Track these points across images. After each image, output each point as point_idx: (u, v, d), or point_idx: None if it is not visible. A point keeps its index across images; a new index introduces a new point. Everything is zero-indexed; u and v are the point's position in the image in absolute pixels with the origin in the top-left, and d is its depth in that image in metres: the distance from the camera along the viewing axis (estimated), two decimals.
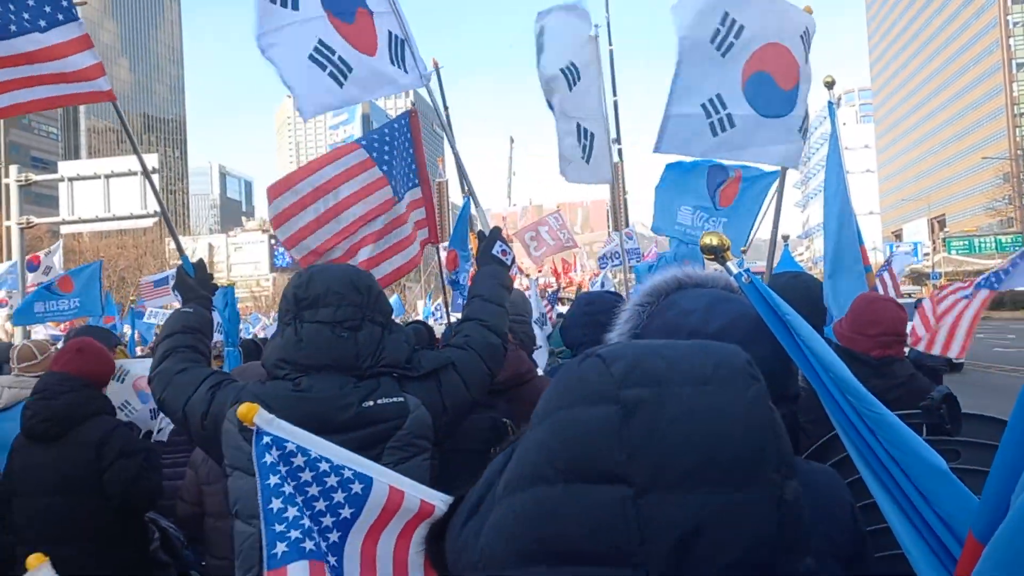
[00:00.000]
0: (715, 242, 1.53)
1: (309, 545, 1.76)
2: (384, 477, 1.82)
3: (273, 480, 1.82)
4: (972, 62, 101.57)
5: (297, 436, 1.84)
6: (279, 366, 2.41)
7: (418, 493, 1.80)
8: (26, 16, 3.38)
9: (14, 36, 3.36)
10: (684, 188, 7.66)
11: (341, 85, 3.86)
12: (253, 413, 1.85)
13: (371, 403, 2.31)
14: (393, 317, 2.64)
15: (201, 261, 3.33)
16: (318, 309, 2.40)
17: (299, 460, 1.82)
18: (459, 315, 3.39)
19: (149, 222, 20.49)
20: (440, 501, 1.78)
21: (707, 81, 3.89)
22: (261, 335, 17.80)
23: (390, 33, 4.01)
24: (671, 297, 1.49)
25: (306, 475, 1.81)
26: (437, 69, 5.18)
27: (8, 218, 19.83)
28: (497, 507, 0.88)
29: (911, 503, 1.27)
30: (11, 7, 3.35)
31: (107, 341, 5.80)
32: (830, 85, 4.28)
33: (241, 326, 16.85)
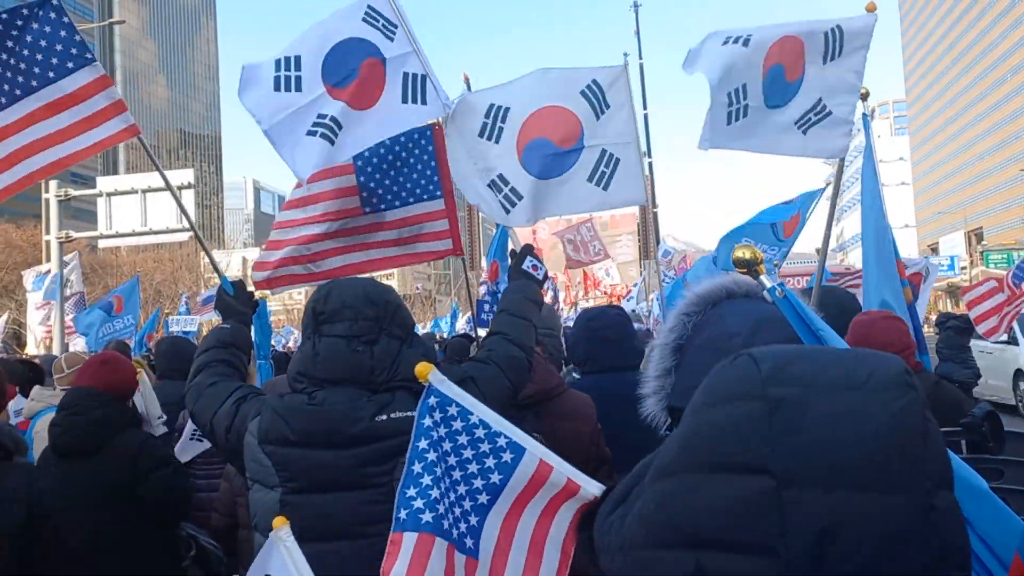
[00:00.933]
0: (747, 255, 1.50)
1: (427, 517, 1.84)
2: (537, 450, 1.92)
3: (423, 444, 1.92)
4: (1010, 72, 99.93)
5: (462, 398, 1.96)
6: (298, 380, 2.44)
7: (566, 471, 1.90)
8: (40, 69, 3.46)
9: (36, 90, 3.45)
10: (741, 237, 8.09)
11: (332, 142, 4.06)
12: (428, 371, 1.98)
13: (384, 417, 2.32)
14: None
15: (241, 281, 3.39)
16: (335, 323, 2.43)
17: (458, 424, 1.93)
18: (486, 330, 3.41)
19: (185, 236, 20.79)
20: (588, 484, 1.88)
21: (736, 73, 3.97)
22: (293, 348, 17.95)
23: (405, 74, 4.17)
24: (718, 308, 1.46)
25: (463, 438, 1.93)
26: (468, 83, 5.20)
27: (48, 232, 20.24)
28: (643, 495, 0.91)
29: None
30: (24, 64, 3.43)
31: (124, 354, 5.91)
32: (864, 97, 4.22)
33: (273, 339, 17.03)
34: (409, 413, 2.29)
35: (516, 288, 3.13)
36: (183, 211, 4.53)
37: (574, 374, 6.04)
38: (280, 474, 2.32)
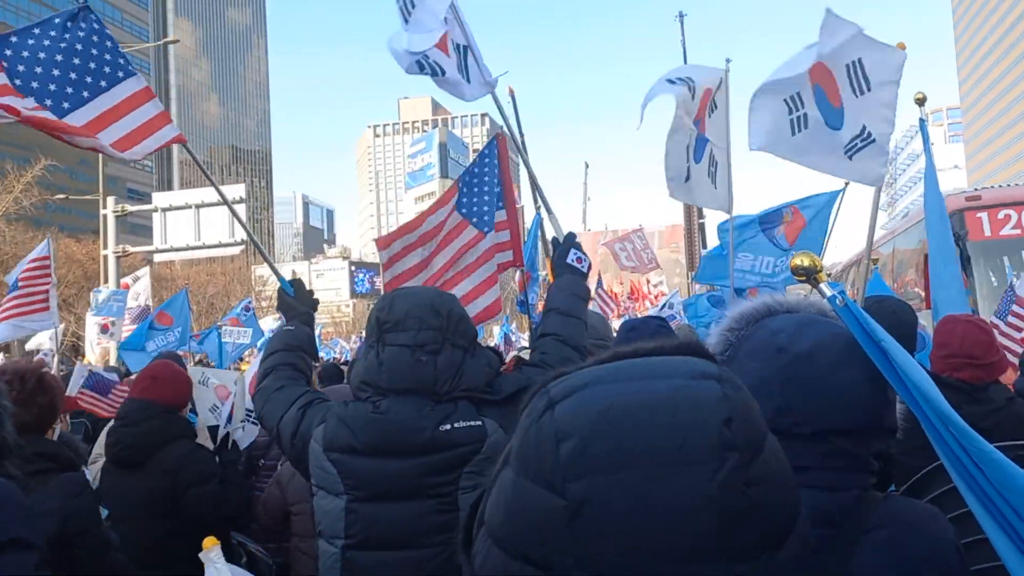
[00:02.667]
0: (807, 263, 1.46)
1: None
2: None
3: None
4: None
5: None
6: (362, 388, 2.44)
7: None
8: (90, 80, 3.53)
9: (87, 102, 3.51)
10: (737, 242, 7.75)
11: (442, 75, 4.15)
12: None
13: (448, 427, 2.31)
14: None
15: (299, 280, 3.39)
16: (399, 333, 2.41)
17: None
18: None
19: (237, 250, 21.21)
20: None
21: (793, 80, 3.93)
22: (341, 359, 18.11)
23: (454, 43, 4.16)
24: (760, 323, 1.45)
25: None
26: (513, 96, 5.21)
27: (105, 247, 20.81)
28: (482, 540, 0.83)
29: None
30: (74, 76, 3.49)
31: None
32: (921, 102, 4.12)
33: (322, 352, 17.14)
34: (472, 423, 2.33)
35: (563, 285, 3.03)
36: (241, 223, 4.61)
37: None
38: (345, 482, 2.33)
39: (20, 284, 8.22)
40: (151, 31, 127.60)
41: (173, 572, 3.52)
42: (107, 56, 3.59)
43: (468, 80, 4.16)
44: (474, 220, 4.40)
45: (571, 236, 3.23)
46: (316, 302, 3.35)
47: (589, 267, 3.15)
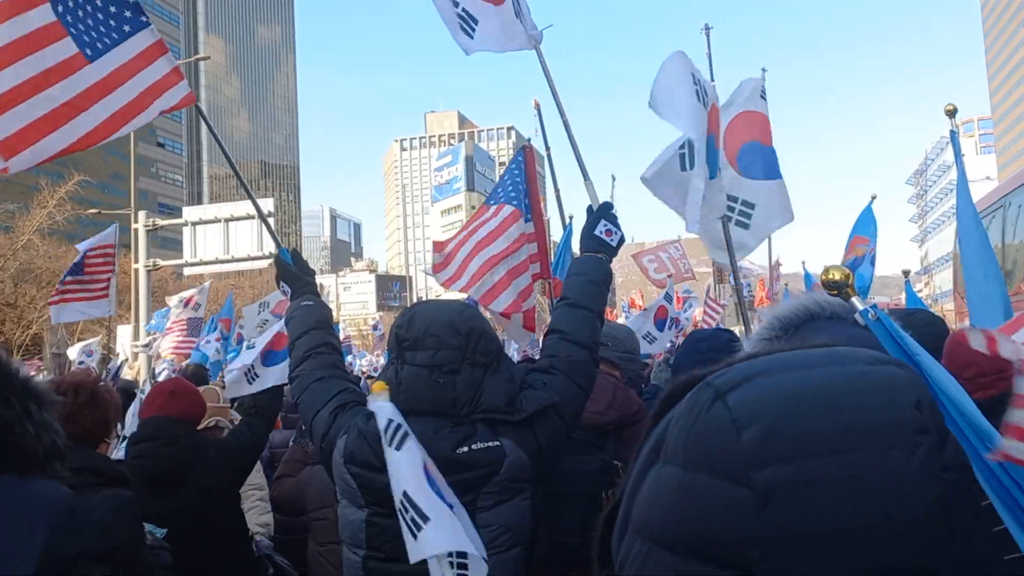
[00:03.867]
0: (837, 277, 1.44)
1: None
2: None
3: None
4: None
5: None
6: None
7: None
8: (105, 30, 3.40)
9: (104, 52, 3.37)
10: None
11: (471, 36, 3.88)
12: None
13: (465, 449, 2.27)
14: None
15: (295, 249, 3.28)
16: (417, 352, 2.36)
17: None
18: None
19: (265, 263, 21.40)
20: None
21: (690, 123, 3.80)
22: (368, 371, 18.17)
23: None
24: (801, 331, 1.41)
25: None
26: (538, 109, 5.22)
27: (137, 261, 21.11)
28: (632, 546, 0.79)
29: None
30: (90, 23, 3.36)
31: (201, 378, 6.00)
32: (952, 113, 4.07)
33: (349, 362, 17.18)
34: (491, 444, 2.28)
35: (581, 268, 2.74)
36: (270, 230, 4.53)
37: None
38: (366, 497, 2.33)
39: (85, 270, 8.26)
40: (182, 48, 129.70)
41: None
42: (113, 8, 3.42)
43: (524, 26, 3.88)
44: (515, 203, 4.46)
45: (607, 205, 2.87)
46: (314, 272, 3.25)
47: (621, 241, 2.79)
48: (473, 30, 3.85)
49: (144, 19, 3.51)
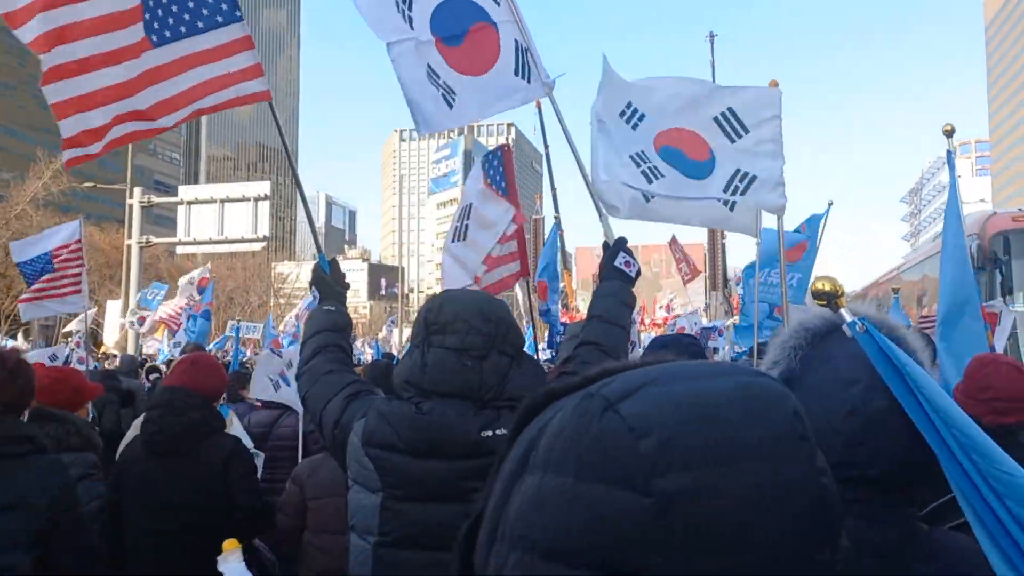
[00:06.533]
0: (828, 287, 1.48)
1: None
2: None
3: None
4: None
5: None
6: (404, 388, 2.41)
7: None
8: (188, 17, 3.47)
9: (183, 37, 3.45)
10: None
11: (451, 107, 3.94)
12: None
13: (490, 432, 2.29)
14: None
15: (335, 260, 3.33)
16: (446, 335, 2.38)
17: None
18: (549, 351, 3.34)
19: (258, 246, 21.38)
20: None
21: (626, 143, 3.90)
22: (359, 360, 18.19)
23: (516, 42, 3.92)
24: (827, 344, 1.41)
25: None
26: (540, 109, 5.24)
27: (130, 236, 21.04)
28: (507, 558, 0.78)
29: None
30: (175, 8, 3.44)
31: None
32: (949, 134, 4.11)
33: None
34: None
35: (608, 291, 2.97)
36: (317, 243, 4.41)
37: None
38: (383, 479, 2.32)
39: (56, 267, 8.30)
40: None
41: (209, 562, 3.53)
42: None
43: (528, 80, 3.93)
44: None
45: (622, 240, 3.17)
46: (348, 285, 3.29)
47: (638, 273, 3.10)
48: (452, 102, 3.96)
49: (238, 14, 3.59)
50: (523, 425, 0.87)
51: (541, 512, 0.75)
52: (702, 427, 0.73)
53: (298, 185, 4.46)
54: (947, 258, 4.07)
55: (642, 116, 3.95)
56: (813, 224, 8.38)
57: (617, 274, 3.03)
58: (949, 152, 4.26)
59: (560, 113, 4.00)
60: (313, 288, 3.25)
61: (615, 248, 3.11)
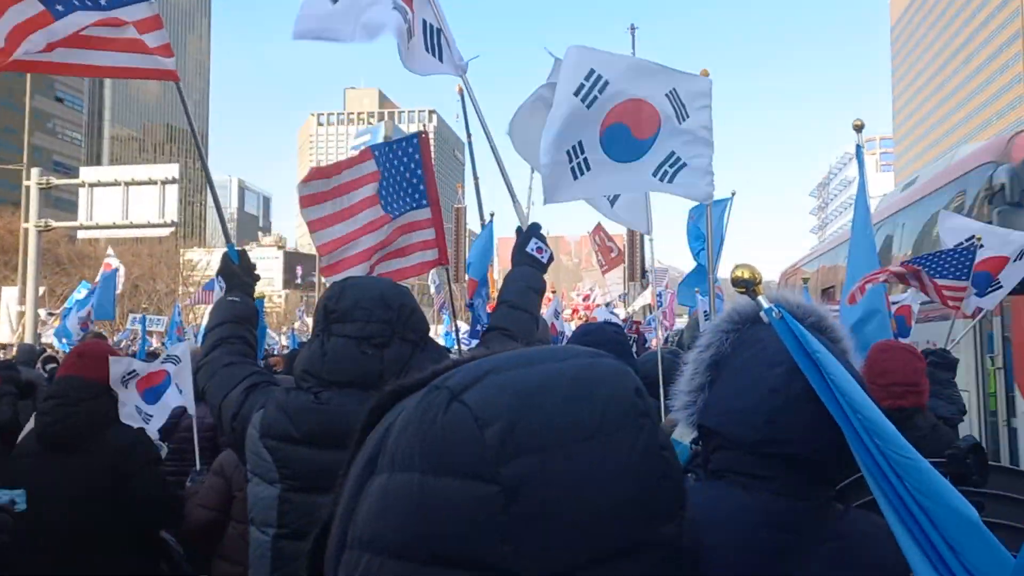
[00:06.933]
0: (746, 275, 1.48)
1: None
2: None
3: None
4: (995, 116, 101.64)
5: None
6: (304, 378, 2.38)
7: None
8: None
9: (78, 10, 3.27)
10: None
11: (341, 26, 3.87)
12: None
13: None
14: None
15: (244, 250, 3.28)
16: (346, 323, 2.36)
17: None
18: (468, 341, 3.32)
19: (165, 231, 20.65)
20: None
21: (571, 130, 3.99)
22: (270, 352, 17.80)
23: (424, 22, 3.99)
24: (757, 328, 1.45)
25: None
26: (462, 95, 5.19)
27: (27, 220, 20.03)
28: (358, 563, 0.75)
29: (938, 554, 1.22)
30: None
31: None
32: (859, 128, 4.25)
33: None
34: None
35: (517, 277, 2.98)
36: (217, 205, 4.23)
37: None
38: (280, 471, 2.29)
39: None
40: None
41: (113, 556, 3.40)
42: None
43: (440, 59, 4.01)
44: (382, 202, 4.41)
45: (535, 226, 3.18)
46: (257, 277, 3.25)
47: (550, 259, 3.10)
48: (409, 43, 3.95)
49: None
50: (370, 426, 0.85)
51: (389, 511, 0.74)
52: (543, 410, 0.73)
53: (205, 169, 4.32)
54: (855, 245, 4.23)
55: (605, 84, 3.97)
56: (717, 209, 8.57)
57: (528, 260, 3.04)
58: (859, 146, 4.40)
59: (474, 97, 4.04)
60: (219, 277, 3.19)
61: (527, 234, 3.11)
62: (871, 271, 4.11)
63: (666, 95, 4.09)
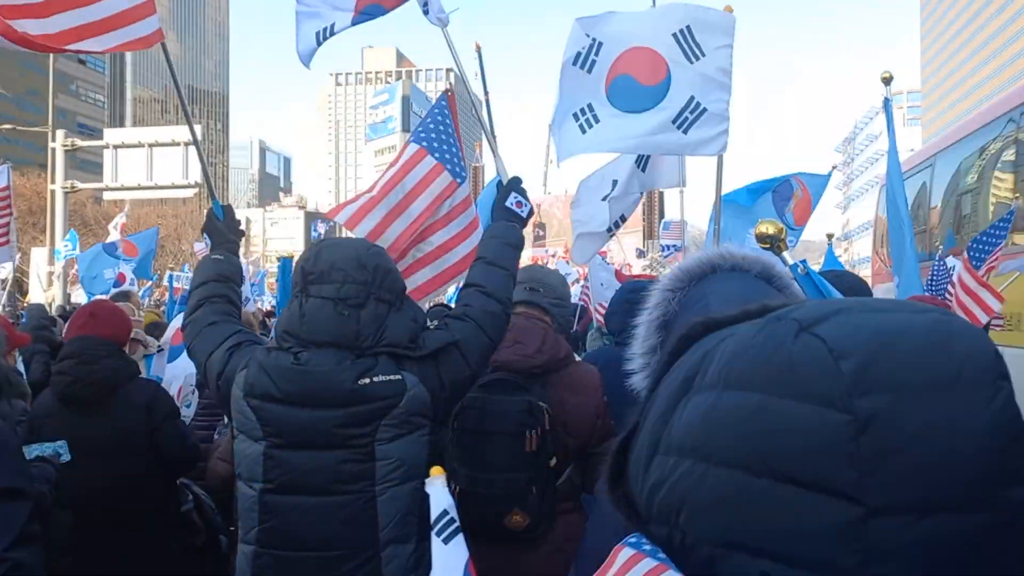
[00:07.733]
0: (771, 231, 1.47)
1: None
2: None
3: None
4: None
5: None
6: (284, 338, 2.43)
7: None
8: None
9: None
10: (748, 219, 7.48)
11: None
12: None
13: (367, 380, 2.33)
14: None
15: (229, 206, 3.28)
16: (323, 285, 2.41)
17: None
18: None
19: (189, 192, 20.75)
20: None
21: (578, 96, 4.03)
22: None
23: None
24: (702, 284, 1.42)
25: None
26: (479, 52, 5.12)
27: (53, 182, 20.22)
28: (676, 468, 0.80)
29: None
30: None
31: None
32: (887, 81, 4.16)
33: (268, 298, 17.06)
34: (392, 377, 2.35)
35: (495, 232, 2.94)
36: (200, 157, 4.31)
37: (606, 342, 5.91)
38: (264, 428, 2.36)
39: None
40: None
41: (145, 507, 3.52)
42: None
43: (427, 10, 3.96)
44: (448, 167, 4.22)
45: (516, 180, 3.15)
46: (242, 233, 3.27)
47: (530, 213, 3.07)
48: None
49: None
50: (679, 353, 0.90)
51: (720, 425, 0.77)
52: (900, 354, 0.74)
53: (189, 124, 4.25)
54: (893, 203, 4.16)
55: (599, 46, 3.99)
56: (814, 187, 8.24)
57: (508, 215, 3.00)
58: (887, 99, 4.31)
59: (454, 49, 4.03)
60: (205, 235, 3.20)
61: (507, 188, 3.09)
62: (908, 228, 4.07)
63: (673, 35, 4.00)
